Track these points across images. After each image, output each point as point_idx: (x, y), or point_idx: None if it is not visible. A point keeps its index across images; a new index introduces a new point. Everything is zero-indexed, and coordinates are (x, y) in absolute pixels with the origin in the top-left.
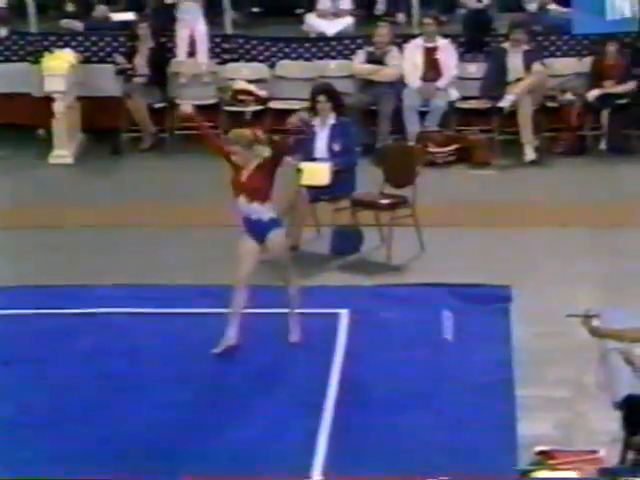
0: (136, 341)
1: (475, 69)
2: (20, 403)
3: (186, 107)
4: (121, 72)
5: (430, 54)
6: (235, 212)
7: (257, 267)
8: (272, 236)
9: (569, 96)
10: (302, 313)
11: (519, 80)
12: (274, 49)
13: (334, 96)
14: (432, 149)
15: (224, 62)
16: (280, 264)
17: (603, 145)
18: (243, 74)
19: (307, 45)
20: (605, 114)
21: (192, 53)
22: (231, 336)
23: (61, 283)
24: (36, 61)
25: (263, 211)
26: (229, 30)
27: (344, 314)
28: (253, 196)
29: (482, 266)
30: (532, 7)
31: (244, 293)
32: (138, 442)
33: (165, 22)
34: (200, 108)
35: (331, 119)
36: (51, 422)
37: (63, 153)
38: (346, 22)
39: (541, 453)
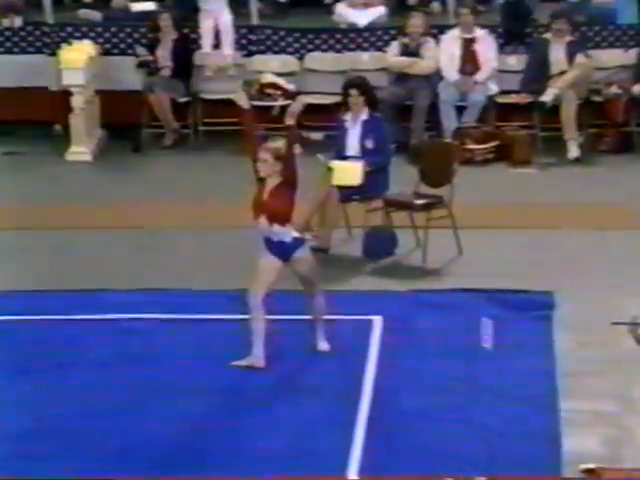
0: (157, 349)
1: (515, 61)
2: (36, 414)
3: (242, 99)
4: (143, 65)
5: (468, 45)
6: (256, 232)
7: (276, 283)
8: (298, 255)
9: (615, 90)
10: (333, 320)
11: (562, 73)
12: (303, 41)
13: (367, 90)
14: (470, 146)
15: (250, 54)
16: (308, 280)
17: None
18: (271, 67)
19: (338, 36)
20: None
21: (217, 45)
22: (258, 355)
23: (77, 287)
24: (53, 53)
25: (285, 233)
26: (255, 21)
27: (377, 321)
28: (273, 218)
29: (523, 271)
30: None
31: (262, 309)
32: (164, 451)
33: (188, 12)
34: (225, 102)
35: (363, 115)
36: (69, 432)
37: (81, 150)
38: (378, 12)
39: (587, 471)
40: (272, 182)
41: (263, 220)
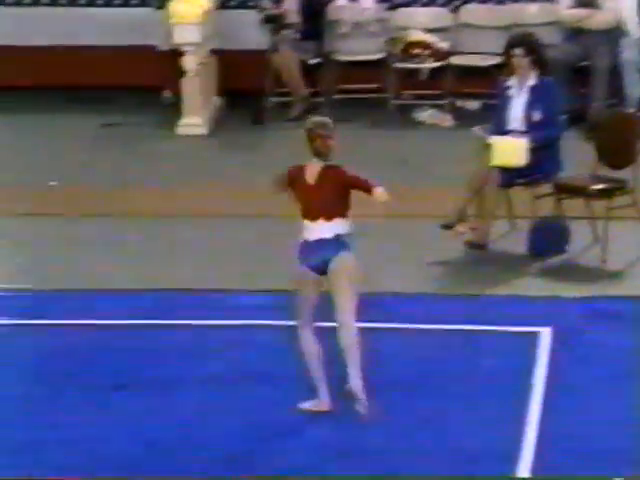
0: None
1: None
2: (145, 438)
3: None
4: (268, 20)
5: None
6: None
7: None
8: (336, 259)
9: None
10: (490, 331)
11: None
12: None
13: (534, 49)
14: None
15: (394, 7)
16: (339, 296)
17: None
18: (419, 22)
19: None
20: None
21: None
22: (324, 400)
23: (188, 287)
24: (161, 6)
25: (327, 228)
26: None
27: (545, 334)
28: (318, 211)
29: None
30: None
31: (313, 340)
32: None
33: None
34: (364, 64)
35: (530, 79)
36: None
37: (195, 121)
38: None
39: None
40: (317, 163)
41: (307, 219)
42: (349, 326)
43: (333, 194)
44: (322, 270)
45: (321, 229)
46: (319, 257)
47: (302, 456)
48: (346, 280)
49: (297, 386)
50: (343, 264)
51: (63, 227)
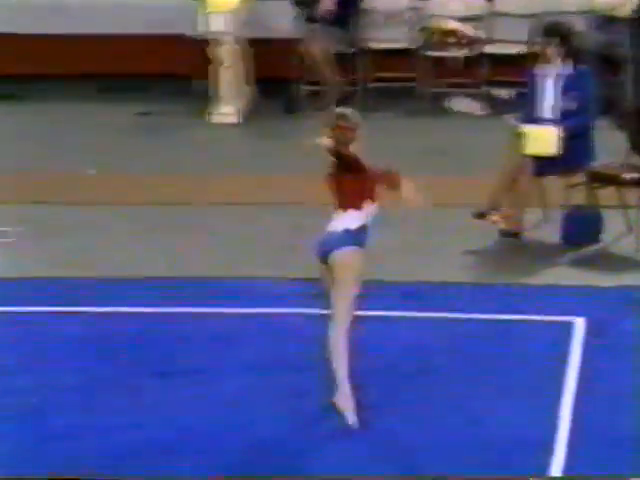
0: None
1: None
2: (179, 426)
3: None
4: (302, 4)
5: None
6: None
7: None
8: (335, 254)
9: None
10: (523, 320)
11: None
12: None
13: (568, 38)
14: None
15: None
16: (333, 296)
17: None
18: (452, 10)
19: None
20: None
21: None
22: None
23: (220, 274)
24: None
25: (341, 221)
26: None
27: (579, 324)
28: (338, 202)
29: None
30: None
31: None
32: None
33: None
34: (397, 53)
35: (564, 68)
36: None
37: (228, 110)
38: None
39: None
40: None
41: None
42: (334, 333)
43: (345, 184)
44: (326, 262)
45: (338, 220)
46: (322, 249)
47: (326, 448)
48: (342, 279)
49: (327, 375)
50: (340, 260)
51: (99, 215)
